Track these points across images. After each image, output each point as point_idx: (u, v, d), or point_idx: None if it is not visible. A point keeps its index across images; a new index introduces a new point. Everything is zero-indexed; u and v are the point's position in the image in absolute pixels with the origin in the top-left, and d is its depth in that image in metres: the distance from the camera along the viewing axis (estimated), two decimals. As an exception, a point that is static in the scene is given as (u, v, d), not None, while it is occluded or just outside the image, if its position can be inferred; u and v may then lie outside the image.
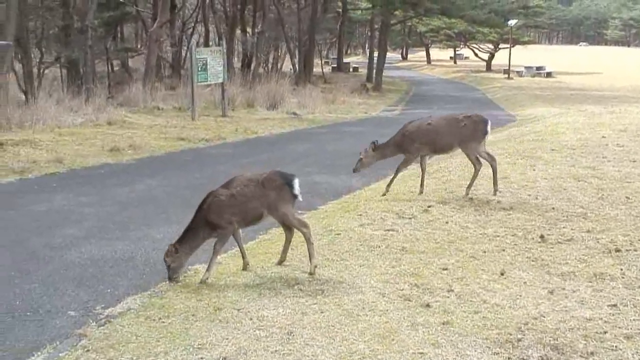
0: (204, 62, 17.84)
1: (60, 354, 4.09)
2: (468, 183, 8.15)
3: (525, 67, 44.93)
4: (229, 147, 13.65)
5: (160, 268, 5.29)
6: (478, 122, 7.93)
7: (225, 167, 10.71)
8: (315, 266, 5.38)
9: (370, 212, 7.41)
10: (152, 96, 20.01)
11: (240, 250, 5.61)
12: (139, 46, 38.63)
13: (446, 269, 5.43)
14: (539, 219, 6.91)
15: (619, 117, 16.37)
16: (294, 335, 4.19)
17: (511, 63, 42.69)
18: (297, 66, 34.94)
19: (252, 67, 30.45)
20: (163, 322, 4.48)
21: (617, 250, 5.82)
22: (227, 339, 4.17)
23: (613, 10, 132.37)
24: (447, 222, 6.88)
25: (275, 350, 3.99)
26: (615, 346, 4.01)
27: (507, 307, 4.61)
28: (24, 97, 19.25)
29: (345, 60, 52.25)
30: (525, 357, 3.89)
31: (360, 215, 7.30)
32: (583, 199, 7.77)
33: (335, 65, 47.90)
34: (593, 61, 62.34)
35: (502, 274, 5.30)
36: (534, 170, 9.51)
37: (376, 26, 41.76)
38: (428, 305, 4.64)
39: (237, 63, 34.06)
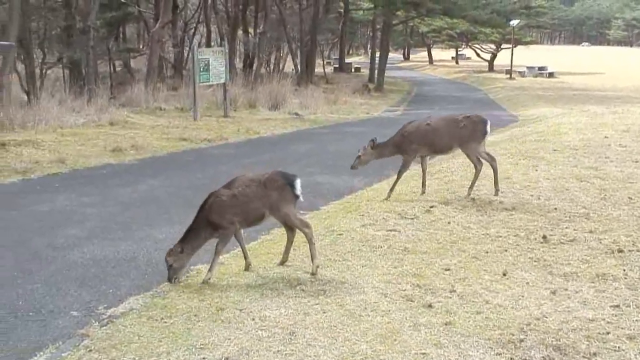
0: (206, 62, 17.86)
1: (62, 354, 4.10)
2: (470, 183, 8.15)
3: (528, 68, 44.88)
4: (231, 147, 13.65)
5: (163, 268, 5.29)
6: (477, 123, 7.93)
7: (227, 167, 10.72)
8: (317, 266, 5.38)
9: (372, 212, 7.41)
10: (154, 97, 20.03)
11: (243, 250, 5.61)
12: (141, 47, 38.69)
13: (448, 270, 5.43)
14: (541, 220, 6.90)
15: (622, 118, 16.35)
16: (296, 336, 4.19)
17: (513, 63, 42.67)
18: (299, 66, 34.95)
19: (254, 68, 30.45)
20: (165, 322, 4.48)
21: (620, 251, 5.82)
22: (230, 339, 4.17)
23: (615, 10, 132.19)
24: (449, 223, 6.88)
25: (278, 351, 3.99)
26: (618, 347, 4.01)
27: (510, 308, 4.61)
28: (26, 97, 19.28)
29: (347, 60, 52.29)
30: (527, 358, 3.89)
31: (362, 215, 7.30)
32: (585, 199, 7.76)
33: (337, 66, 47.90)
34: (595, 61, 62.25)
35: (504, 275, 5.29)
36: (536, 170, 9.50)
37: (378, 26, 41.82)
38: (430, 306, 4.64)
39: (239, 63, 34.11)
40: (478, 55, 57.14)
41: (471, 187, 8.09)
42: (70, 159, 11.30)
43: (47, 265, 5.89)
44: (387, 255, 5.84)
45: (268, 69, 35.08)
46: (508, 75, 42.84)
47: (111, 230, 7.07)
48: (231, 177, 5.55)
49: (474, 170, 8.07)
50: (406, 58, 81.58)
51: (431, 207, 7.52)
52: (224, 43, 22.27)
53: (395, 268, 5.49)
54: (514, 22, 42.76)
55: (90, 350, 4.09)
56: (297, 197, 5.41)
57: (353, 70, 47.75)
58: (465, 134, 7.88)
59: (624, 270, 5.35)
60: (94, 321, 4.60)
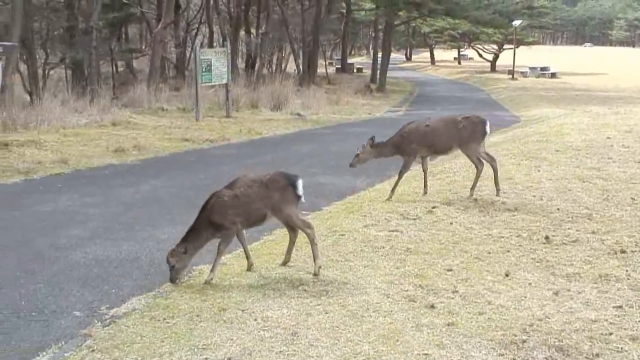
0: (208, 63, 17.87)
1: (65, 354, 4.10)
2: (471, 184, 8.15)
3: (530, 68, 44.86)
4: (233, 147, 13.66)
5: (165, 269, 5.29)
6: (477, 123, 7.94)
7: (229, 167, 10.73)
8: (320, 267, 5.38)
9: (374, 213, 7.40)
10: (157, 97, 20.06)
11: (245, 251, 5.61)
12: (143, 47, 38.71)
13: (451, 270, 5.42)
14: (543, 220, 6.89)
15: (624, 118, 16.31)
16: (298, 336, 4.19)
17: (515, 64, 42.63)
18: (301, 67, 34.96)
19: (256, 68, 30.50)
20: (168, 322, 4.48)
21: (623, 252, 5.81)
22: (232, 339, 4.17)
23: (618, 10, 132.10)
24: (451, 223, 6.88)
25: (280, 351, 3.99)
26: (621, 348, 4.00)
27: (512, 309, 4.60)
28: (29, 98, 19.30)
29: (349, 61, 52.24)
30: (530, 359, 3.88)
31: (364, 216, 7.30)
32: (588, 200, 7.75)
33: (339, 66, 47.90)
34: (598, 62, 62.19)
35: (506, 275, 5.28)
36: (538, 171, 9.49)
37: (380, 27, 41.85)
38: (433, 306, 4.63)
39: (241, 64, 34.14)
40: (480, 55, 57.12)
41: (473, 188, 8.09)
42: (73, 159, 11.31)
43: (50, 265, 5.90)
44: (390, 256, 5.84)
45: (270, 69, 35.09)
46: (510, 76, 42.80)
47: (114, 230, 7.08)
48: (233, 178, 5.55)
49: (476, 171, 8.07)
50: (408, 58, 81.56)
51: (433, 207, 7.52)
52: (226, 43, 22.27)
53: (397, 269, 5.49)
54: (517, 23, 42.72)
55: (93, 351, 4.10)
56: (299, 197, 5.41)
57: (355, 70, 47.76)
58: (465, 134, 7.89)
59: (627, 271, 5.34)
60: (96, 321, 4.60)
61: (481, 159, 8.05)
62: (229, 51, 19.83)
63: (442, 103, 27.63)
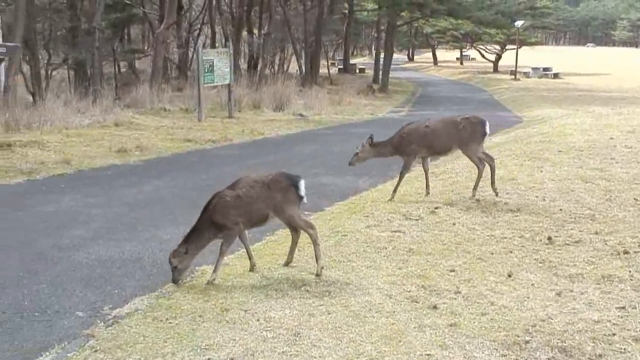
0: (211, 63, 17.88)
1: (68, 354, 4.11)
2: (473, 184, 8.14)
3: (532, 68, 44.82)
4: (235, 148, 13.67)
5: (167, 269, 5.30)
6: (476, 124, 7.94)
7: (231, 168, 10.73)
8: (322, 267, 5.38)
9: (377, 213, 7.40)
10: (159, 97, 20.08)
11: (247, 251, 5.61)
12: (145, 48, 38.79)
13: (453, 271, 5.42)
14: (546, 221, 6.88)
15: (627, 119, 16.29)
16: (300, 337, 4.19)
17: (518, 64, 42.60)
18: (303, 67, 34.96)
19: (258, 69, 30.49)
20: (170, 322, 4.49)
21: (626, 252, 5.80)
22: (234, 339, 4.17)
23: (621, 11, 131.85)
24: (454, 224, 6.87)
25: (282, 352, 3.99)
26: (624, 349, 4.00)
27: (515, 309, 4.60)
28: (31, 98, 19.35)
29: (352, 61, 52.25)
30: (532, 359, 3.88)
31: (367, 216, 7.30)
32: (591, 200, 7.74)
33: (341, 67, 47.92)
34: (601, 62, 62.13)
35: (509, 276, 5.28)
36: (541, 171, 9.47)
37: (382, 27, 41.81)
38: (435, 307, 4.63)
39: (243, 64, 34.13)
40: (482, 56, 57.08)
41: (475, 188, 8.09)
42: (76, 159, 11.33)
43: (53, 265, 5.91)
44: (392, 257, 5.84)
45: (272, 69, 35.09)
46: (513, 76, 42.77)
47: (116, 231, 7.09)
48: (235, 178, 5.56)
49: (477, 172, 8.08)
50: (410, 59, 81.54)
51: (436, 208, 7.51)
52: (229, 44, 22.31)
53: (400, 269, 5.49)
54: (519, 23, 42.72)
55: (96, 351, 4.10)
56: (301, 198, 5.41)
57: (357, 71, 47.78)
58: (465, 135, 7.90)
59: (630, 271, 5.33)
60: (99, 321, 4.61)
61: (482, 159, 8.06)
62: (232, 52, 19.85)
63: (445, 103, 27.61)
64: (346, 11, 42.36)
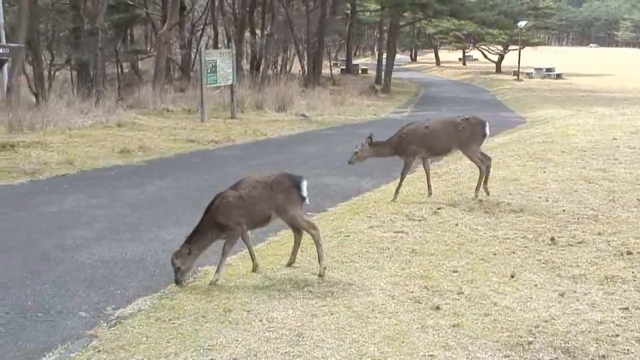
0: (213, 64, 17.90)
1: (71, 355, 4.11)
2: (476, 185, 8.14)
3: (535, 69, 44.75)
4: (238, 148, 13.68)
5: (170, 269, 5.30)
6: (476, 125, 7.96)
7: (234, 168, 10.74)
8: (325, 268, 5.38)
9: (379, 214, 7.40)
10: (162, 98, 20.09)
11: (250, 252, 5.61)
12: (148, 48, 38.84)
13: (456, 272, 5.41)
14: (549, 222, 6.88)
15: (630, 119, 16.27)
16: (303, 337, 4.19)
17: (521, 65, 42.54)
18: (306, 68, 34.98)
19: (261, 69, 30.50)
20: (173, 323, 4.49)
21: (629, 253, 5.79)
22: (237, 340, 4.17)
23: (624, 11, 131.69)
24: (457, 224, 6.87)
25: (285, 352, 3.99)
26: (627, 349, 3.99)
27: (518, 310, 4.59)
28: (34, 99, 19.37)
29: (354, 62, 52.24)
30: (536, 360, 3.88)
31: (369, 217, 7.30)
32: (594, 201, 7.72)
33: (344, 67, 47.89)
34: (604, 62, 62.00)
35: (512, 277, 5.27)
36: (544, 172, 9.46)
37: (385, 28, 41.74)
38: (438, 308, 4.63)
39: (246, 65, 34.16)
40: (485, 56, 57.02)
41: (477, 189, 8.08)
42: (79, 160, 11.35)
43: (56, 266, 5.92)
44: (395, 257, 5.84)
45: (275, 70, 35.09)
46: (515, 77, 42.72)
47: (119, 231, 7.09)
48: (238, 179, 5.56)
49: (479, 172, 8.07)
50: (413, 59, 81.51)
51: (438, 208, 7.51)
52: (231, 45, 22.33)
53: (402, 270, 5.48)
54: (522, 24, 42.67)
55: (99, 351, 4.11)
56: (303, 199, 5.41)
57: (360, 71, 47.75)
58: (465, 136, 7.92)
59: (633, 272, 5.32)
60: (102, 322, 4.62)
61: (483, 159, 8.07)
62: (234, 52, 19.87)
63: (448, 104, 27.59)
64: (349, 12, 42.35)
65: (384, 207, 7.72)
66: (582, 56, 77.38)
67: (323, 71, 36.59)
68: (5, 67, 16.09)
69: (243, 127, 16.53)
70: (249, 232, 5.56)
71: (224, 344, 4.13)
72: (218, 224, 5.29)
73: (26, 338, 4.42)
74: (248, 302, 4.82)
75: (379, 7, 38.61)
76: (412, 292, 4.96)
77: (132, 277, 5.61)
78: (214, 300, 4.87)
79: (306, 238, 5.62)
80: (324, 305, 4.71)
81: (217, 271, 5.32)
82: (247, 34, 33.26)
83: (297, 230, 5.55)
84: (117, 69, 30.64)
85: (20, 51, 16.60)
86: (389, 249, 6.08)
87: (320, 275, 5.32)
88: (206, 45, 32.05)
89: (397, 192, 8.13)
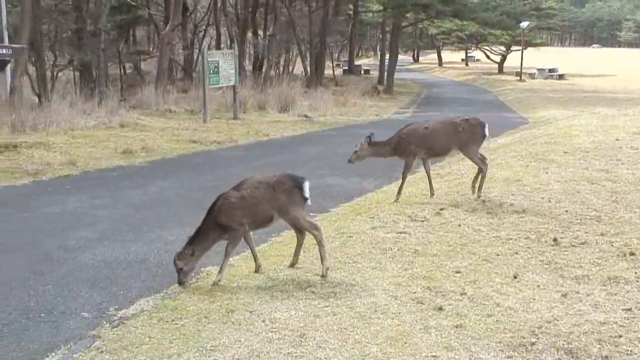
0: (216, 64, 17.91)
1: (74, 355, 4.12)
2: (477, 186, 8.13)
3: (538, 69, 44.70)
4: (240, 149, 13.69)
5: (173, 270, 5.31)
6: (475, 126, 7.97)
7: (236, 169, 10.75)
8: (327, 269, 5.38)
9: (382, 214, 7.40)
10: (164, 99, 20.12)
11: (252, 252, 5.62)
12: (151, 49, 38.85)
13: (459, 272, 5.41)
14: (552, 222, 6.87)
15: (633, 120, 16.23)
16: (306, 338, 4.19)
17: (523, 65, 42.50)
18: (308, 69, 34.99)
19: (263, 70, 30.53)
20: (176, 324, 4.50)
21: (632, 254, 5.77)
22: (240, 341, 4.18)
23: (627, 11, 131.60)
24: (459, 225, 6.86)
25: (288, 353, 3.99)
26: (630, 350, 3.98)
27: (521, 311, 4.59)
28: (37, 99, 19.40)
29: (357, 62, 52.26)
30: (538, 361, 3.87)
31: (372, 217, 7.30)
32: (597, 202, 7.71)
33: (346, 68, 47.90)
34: (606, 63, 61.94)
35: (515, 277, 5.27)
36: (546, 173, 9.45)
37: (387, 28, 41.85)
38: (441, 308, 4.63)
39: (248, 66, 34.22)
40: (488, 57, 56.95)
41: (479, 189, 8.08)
42: (81, 160, 11.36)
43: (59, 266, 5.93)
44: (397, 258, 5.83)
45: (277, 71, 35.14)
46: (518, 77, 42.68)
47: (122, 232, 7.10)
48: (240, 179, 5.56)
49: (480, 173, 8.07)
50: (415, 60, 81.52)
51: (441, 209, 7.51)
52: (234, 45, 22.34)
53: (405, 270, 5.48)
54: (524, 24, 42.60)
55: (102, 352, 4.11)
56: (305, 199, 5.41)
57: (362, 72, 47.76)
58: (464, 137, 7.93)
59: (636, 273, 5.31)
60: (105, 322, 4.62)
61: (485, 159, 8.08)
62: (237, 53, 19.87)
63: (450, 104, 27.58)
64: (351, 12, 42.31)
65: (387, 208, 7.72)
66: (585, 57, 77.31)
67: (325, 72, 36.57)
68: (8, 67, 16.13)
69: (245, 128, 16.54)
70: (251, 233, 5.56)
71: (226, 344, 4.13)
72: (220, 225, 5.29)
73: (29, 338, 4.43)
74: (251, 302, 4.82)
75: (382, 7, 38.62)
76: (415, 292, 4.96)
77: (134, 278, 5.61)
78: (216, 301, 4.87)
79: (309, 239, 5.62)
80: (326, 306, 4.71)
81: (220, 272, 5.32)
82: (250, 34, 33.30)
83: (300, 231, 5.56)
84: (120, 70, 30.70)
85: (23, 52, 16.64)
86: (391, 249, 6.08)
87: (322, 276, 5.32)
88: (209, 46, 32.08)
89: (399, 192, 8.13)
